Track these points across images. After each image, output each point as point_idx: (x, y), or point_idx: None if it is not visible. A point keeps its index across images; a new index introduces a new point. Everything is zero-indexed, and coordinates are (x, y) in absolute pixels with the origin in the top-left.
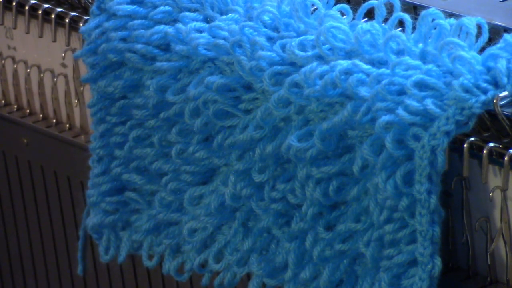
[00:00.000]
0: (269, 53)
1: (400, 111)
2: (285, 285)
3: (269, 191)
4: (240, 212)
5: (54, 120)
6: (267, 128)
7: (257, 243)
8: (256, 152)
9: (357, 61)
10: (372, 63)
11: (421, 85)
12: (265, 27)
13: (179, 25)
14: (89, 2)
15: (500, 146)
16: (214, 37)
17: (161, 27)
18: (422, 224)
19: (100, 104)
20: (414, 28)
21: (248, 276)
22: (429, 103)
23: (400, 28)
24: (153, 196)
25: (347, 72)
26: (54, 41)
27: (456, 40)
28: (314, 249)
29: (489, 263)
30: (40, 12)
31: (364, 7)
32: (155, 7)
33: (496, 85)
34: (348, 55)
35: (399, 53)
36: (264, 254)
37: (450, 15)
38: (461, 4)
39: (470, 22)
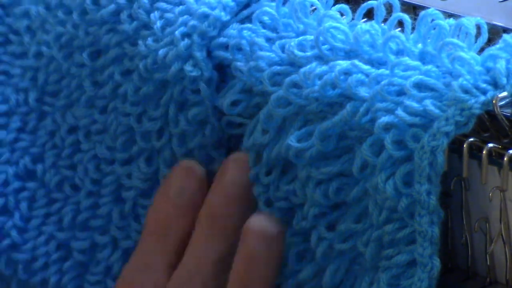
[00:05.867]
0: (268, 53)
1: (400, 111)
2: (283, 285)
3: (274, 191)
4: None
5: None
6: (272, 132)
7: None
8: (264, 157)
9: (356, 62)
10: (371, 63)
11: (421, 86)
12: (264, 27)
13: None
14: None
15: (500, 146)
16: None
17: None
18: (422, 225)
19: None
20: (413, 28)
21: None
22: (429, 104)
23: (400, 29)
24: None
25: (347, 73)
26: None
27: (455, 40)
28: (317, 249)
29: (488, 263)
30: None
31: (363, 8)
32: None
33: (496, 85)
34: (348, 55)
35: (399, 53)
36: None
37: (449, 15)
38: (460, 5)
39: (469, 22)
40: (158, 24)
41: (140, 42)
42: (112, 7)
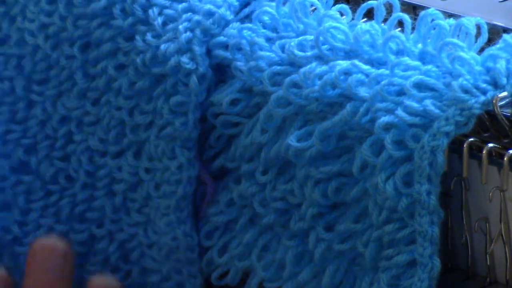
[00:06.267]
0: (268, 53)
1: (400, 111)
2: (284, 285)
3: (270, 191)
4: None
5: None
6: (271, 131)
7: (260, 239)
8: (261, 156)
9: (356, 62)
10: (371, 63)
11: (421, 86)
12: (264, 27)
13: None
14: None
15: (500, 146)
16: None
17: None
18: (422, 225)
19: None
20: (413, 28)
21: (246, 274)
22: (429, 104)
23: (400, 29)
24: None
25: (347, 73)
26: None
27: (455, 40)
28: (315, 250)
29: (488, 263)
30: None
31: (363, 8)
32: None
33: (496, 85)
34: (348, 55)
35: (399, 53)
36: (266, 251)
37: (449, 15)
38: (460, 5)
39: (469, 22)
40: (159, 20)
41: (137, 37)
42: (103, 1)
